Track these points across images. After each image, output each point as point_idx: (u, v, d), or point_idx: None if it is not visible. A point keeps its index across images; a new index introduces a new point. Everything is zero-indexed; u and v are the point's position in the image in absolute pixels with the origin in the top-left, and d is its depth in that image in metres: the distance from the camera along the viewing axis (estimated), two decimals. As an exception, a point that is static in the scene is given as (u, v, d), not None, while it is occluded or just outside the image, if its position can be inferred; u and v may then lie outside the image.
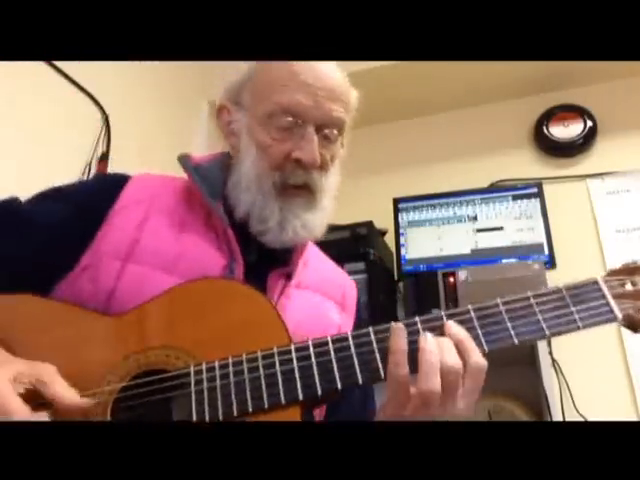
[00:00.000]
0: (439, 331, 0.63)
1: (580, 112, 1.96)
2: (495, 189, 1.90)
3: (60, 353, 0.64)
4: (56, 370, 0.61)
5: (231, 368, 0.63)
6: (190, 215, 0.81)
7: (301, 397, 0.61)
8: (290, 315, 0.72)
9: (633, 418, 1.56)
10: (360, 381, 0.62)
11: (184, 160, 0.84)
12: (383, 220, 1.85)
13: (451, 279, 1.56)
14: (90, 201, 0.79)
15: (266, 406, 0.60)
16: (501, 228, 1.79)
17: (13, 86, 1.36)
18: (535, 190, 1.81)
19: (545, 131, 1.98)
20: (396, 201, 1.90)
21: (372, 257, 1.63)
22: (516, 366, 1.60)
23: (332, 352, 0.63)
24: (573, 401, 1.59)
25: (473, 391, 0.61)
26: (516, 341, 0.62)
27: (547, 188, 1.81)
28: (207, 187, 0.82)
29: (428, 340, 0.61)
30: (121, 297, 0.70)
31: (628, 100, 1.95)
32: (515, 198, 1.81)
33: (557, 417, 1.40)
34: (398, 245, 1.84)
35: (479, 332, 0.63)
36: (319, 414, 0.78)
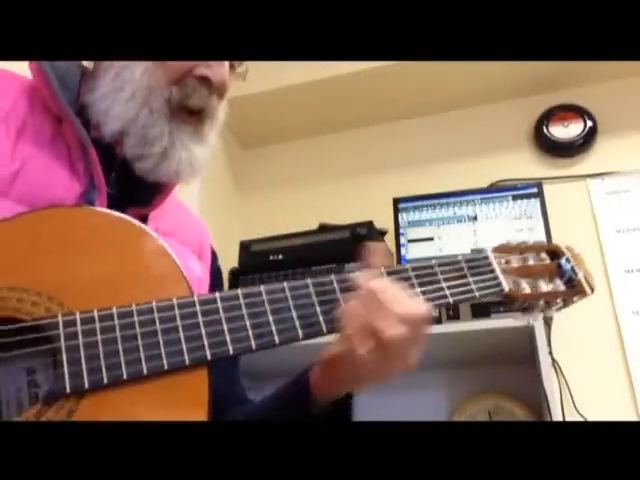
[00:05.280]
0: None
1: (580, 112, 1.96)
2: (495, 189, 1.90)
3: None
4: None
5: (117, 320, 0.49)
6: (33, 122, 0.64)
7: (209, 356, 0.51)
8: None
9: (633, 418, 1.56)
10: (277, 341, 0.54)
11: None
12: (383, 220, 1.85)
13: (451, 279, 1.56)
14: None
15: (166, 367, 0.49)
16: (501, 228, 1.79)
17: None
18: (535, 190, 1.80)
19: (545, 131, 1.97)
20: (396, 201, 1.90)
21: (372, 257, 1.63)
22: (516, 366, 1.60)
23: (243, 307, 0.54)
24: (573, 401, 1.59)
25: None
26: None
27: (547, 188, 1.81)
28: (63, 89, 0.66)
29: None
30: None
31: (628, 100, 1.94)
32: (515, 198, 1.81)
33: (557, 417, 1.39)
34: (398, 245, 1.84)
35: None
36: None
